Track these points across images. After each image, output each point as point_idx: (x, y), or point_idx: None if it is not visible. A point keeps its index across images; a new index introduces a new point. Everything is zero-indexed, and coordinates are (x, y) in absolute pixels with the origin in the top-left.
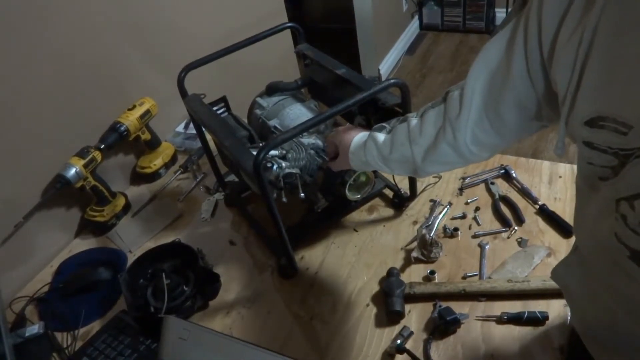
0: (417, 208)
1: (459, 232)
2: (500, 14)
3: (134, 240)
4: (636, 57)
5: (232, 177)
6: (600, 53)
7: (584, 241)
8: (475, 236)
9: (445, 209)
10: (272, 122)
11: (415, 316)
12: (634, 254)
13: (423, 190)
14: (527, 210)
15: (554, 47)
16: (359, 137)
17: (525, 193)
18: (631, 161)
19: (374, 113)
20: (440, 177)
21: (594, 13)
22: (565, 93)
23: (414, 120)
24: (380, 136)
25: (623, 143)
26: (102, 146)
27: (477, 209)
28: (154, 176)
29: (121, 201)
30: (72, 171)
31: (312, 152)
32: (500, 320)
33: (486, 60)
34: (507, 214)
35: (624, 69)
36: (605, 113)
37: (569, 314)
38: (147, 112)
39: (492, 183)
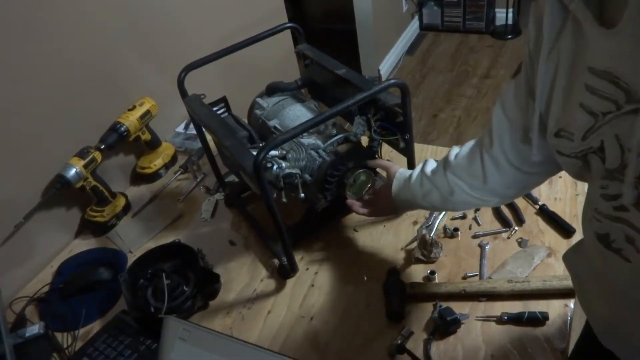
0: None
1: (459, 233)
2: (501, 14)
3: (134, 241)
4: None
5: (232, 178)
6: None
7: (584, 230)
8: (475, 236)
9: None
10: (272, 123)
11: (416, 316)
12: (600, 237)
13: None
14: (527, 210)
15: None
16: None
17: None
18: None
19: (374, 113)
20: None
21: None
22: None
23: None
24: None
25: (574, 147)
26: (102, 146)
27: (477, 209)
28: (154, 176)
29: (121, 201)
30: (72, 171)
31: (312, 152)
32: (501, 320)
33: None
34: (507, 214)
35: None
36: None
37: (570, 314)
38: (147, 112)
39: None
